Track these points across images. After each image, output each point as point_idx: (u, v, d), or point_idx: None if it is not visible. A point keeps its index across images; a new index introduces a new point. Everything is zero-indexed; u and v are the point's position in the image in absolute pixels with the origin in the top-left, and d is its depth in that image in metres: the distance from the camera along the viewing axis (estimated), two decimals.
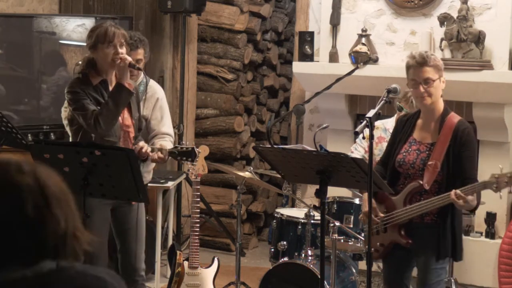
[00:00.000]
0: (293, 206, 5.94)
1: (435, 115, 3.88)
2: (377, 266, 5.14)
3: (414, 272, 4.04)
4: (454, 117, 3.87)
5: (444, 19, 5.79)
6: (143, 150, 4.06)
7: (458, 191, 3.65)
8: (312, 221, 4.82)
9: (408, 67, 3.84)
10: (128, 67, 4.04)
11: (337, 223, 4.61)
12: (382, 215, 3.94)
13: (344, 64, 6.16)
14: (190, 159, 4.30)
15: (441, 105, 3.89)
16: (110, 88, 4.09)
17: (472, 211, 3.91)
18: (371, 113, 3.54)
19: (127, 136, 4.13)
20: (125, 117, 4.14)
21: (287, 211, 5.24)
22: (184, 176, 6.27)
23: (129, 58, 4.05)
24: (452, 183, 3.77)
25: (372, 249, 3.99)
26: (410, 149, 3.91)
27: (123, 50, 4.04)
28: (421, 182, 3.81)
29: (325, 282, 4.30)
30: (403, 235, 3.89)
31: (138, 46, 4.67)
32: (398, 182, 3.94)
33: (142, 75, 4.74)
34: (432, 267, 3.84)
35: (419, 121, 3.95)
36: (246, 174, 5.16)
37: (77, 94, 4.04)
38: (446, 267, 3.95)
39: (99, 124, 3.97)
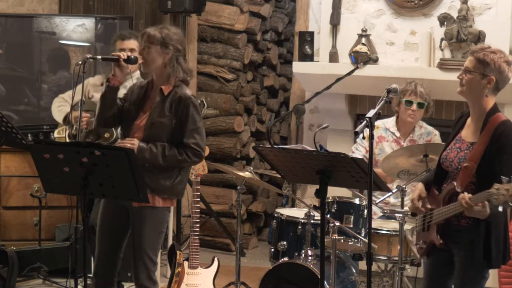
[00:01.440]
0: (293, 206, 5.94)
1: (479, 113, 3.74)
2: (377, 266, 5.14)
3: None
4: (498, 118, 3.70)
5: (444, 19, 5.80)
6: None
7: (466, 197, 3.52)
8: (312, 221, 4.82)
9: None
10: (122, 63, 4.14)
11: (337, 223, 4.61)
12: (429, 206, 3.86)
13: (344, 64, 6.17)
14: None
15: (486, 104, 3.72)
16: (150, 90, 4.20)
17: (483, 219, 3.65)
18: (371, 113, 3.53)
19: (134, 136, 4.11)
20: (143, 118, 4.15)
21: (287, 211, 5.24)
22: None
23: (120, 54, 4.15)
24: (486, 186, 3.55)
25: (418, 245, 3.95)
26: (454, 147, 3.82)
27: (145, 52, 4.10)
28: (455, 183, 3.71)
29: (325, 282, 4.30)
30: (437, 236, 3.79)
31: (130, 37, 5.09)
32: (444, 180, 3.84)
33: (138, 71, 4.99)
34: (468, 274, 3.72)
35: (469, 119, 3.84)
36: (246, 174, 5.16)
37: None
38: (485, 274, 3.76)
39: (96, 117, 4.22)
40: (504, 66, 3.69)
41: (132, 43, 5.05)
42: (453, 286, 3.88)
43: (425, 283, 3.98)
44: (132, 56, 4.16)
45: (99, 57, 4.25)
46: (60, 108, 5.28)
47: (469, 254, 3.70)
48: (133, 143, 4.01)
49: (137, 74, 5.04)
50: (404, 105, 5.16)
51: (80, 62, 4.49)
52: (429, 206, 3.87)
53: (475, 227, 3.68)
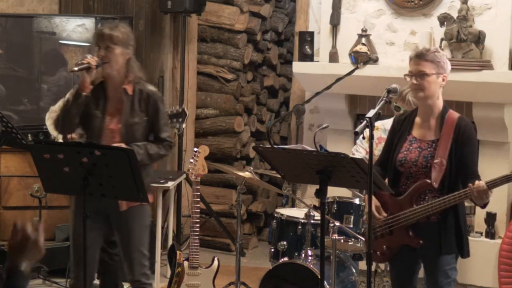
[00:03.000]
0: (293, 206, 5.93)
1: (434, 112, 3.87)
2: (377, 266, 5.14)
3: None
4: (454, 114, 3.86)
5: (444, 19, 5.79)
6: None
7: (481, 184, 3.63)
8: (312, 221, 4.82)
9: (409, 59, 3.89)
10: (93, 69, 4.03)
11: (337, 223, 4.61)
12: (385, 214, 3.92)
13: (344, 64, 6.17)
14: (181, 119, 4.63)
15: (440, 103, 3.87)
16: (108, 91, 4.13)
17: (483, 206, 3.81)
18: (371, 113, 3.54)
19: (111, 141, 4.06)
20: (113, 121, 4.11)
21: (287, 211, 5.24)
22: (184, 176, 6.27)
23: (90, 61, 4.02)
24: (455, 179, 3.78)
25: (378, 252, 3.98)
26: (411, 148, 3.89)
27: (109, 53, 4.03)
28: (428, 181, 3.78)
29: (325, 282, 4.30)
30: (413, 236, 3.85)
31: None
32: (400, 182, 3.91)
33: None
34: (441, 269, 3.81)
35: (417, 119, 3.94)
36: (246, 174, 5.15)
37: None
38: (455, 266, 3.89)
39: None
40: (448, 63, 3.86)
41: None
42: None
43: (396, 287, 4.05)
44: (100, 61, 4.07)
45: (76, 68, 4.09)
46: None
47: (441, 248, 3.80)
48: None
49: None
50: (393, 109, 5.17)
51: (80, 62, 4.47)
52: (384, 214, 3.93)
53: (445, 221, 3.80)
